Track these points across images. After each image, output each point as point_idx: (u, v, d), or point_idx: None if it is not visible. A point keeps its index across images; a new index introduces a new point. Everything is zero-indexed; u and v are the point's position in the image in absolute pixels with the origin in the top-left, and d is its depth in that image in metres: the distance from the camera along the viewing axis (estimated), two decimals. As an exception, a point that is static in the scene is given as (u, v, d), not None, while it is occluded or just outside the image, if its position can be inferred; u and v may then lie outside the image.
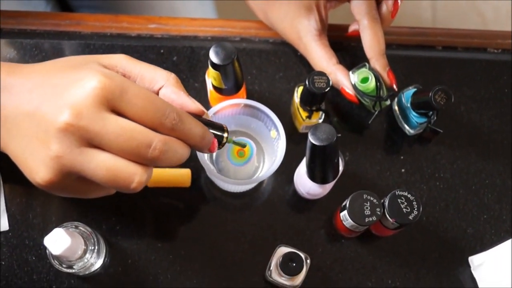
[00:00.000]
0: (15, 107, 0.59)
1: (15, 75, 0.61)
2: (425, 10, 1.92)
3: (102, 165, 0.56)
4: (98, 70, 0.57)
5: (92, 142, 0.55)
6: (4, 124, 0.60)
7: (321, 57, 0.81)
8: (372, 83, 0.79)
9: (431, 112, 0.80)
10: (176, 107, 0.59)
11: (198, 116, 0.63)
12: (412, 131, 0.84)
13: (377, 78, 0.79)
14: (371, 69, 0.80)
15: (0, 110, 0.60)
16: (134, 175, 0.56)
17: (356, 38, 0.83)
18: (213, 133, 0.63)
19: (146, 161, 0.57)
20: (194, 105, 0.64)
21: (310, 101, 0.77)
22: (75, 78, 0.57)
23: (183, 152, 0.60)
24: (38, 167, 0.58)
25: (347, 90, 0.79)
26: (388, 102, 0.82)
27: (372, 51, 0.80)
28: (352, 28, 0.85)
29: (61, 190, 0.60)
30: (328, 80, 0.74)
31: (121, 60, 0.62)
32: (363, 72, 0.79)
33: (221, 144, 0.65)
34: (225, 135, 0.65)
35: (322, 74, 0.74)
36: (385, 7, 0.81)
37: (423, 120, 0.81)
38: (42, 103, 0.57)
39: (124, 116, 0.56)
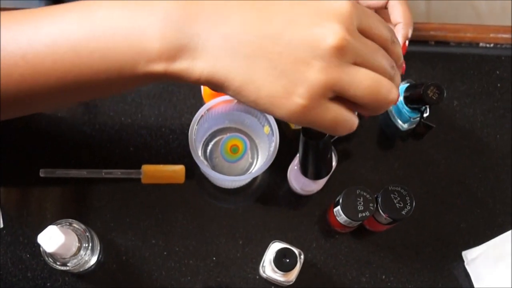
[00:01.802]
0: (249, 30, 0.52)
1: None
2: (419, 3, 1.92)
3: (368, 76, 0.53)
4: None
5: (356, 60, 0.53)
6: (241, 50, 0.52)
7: None
8: None
9: (423, 107, 0.80)
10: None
11: None
12: (405, 126, 0.84)
13: None
14: None
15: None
16: (392, 87, 0.54)
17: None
18: None
19: (389, 76, 0.55)
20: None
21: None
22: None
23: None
24: (291, 90, 0.52)
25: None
26: None
27: (403, 18, 0.78)
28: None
29: (315, 115, 0.53)
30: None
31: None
32: None
33: None
34: None
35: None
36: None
37: (415, 115, 0.81)
38: (288, 23, 0.52)
39: (365, 35, 0.54)
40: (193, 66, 0.51)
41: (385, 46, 0.56)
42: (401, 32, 0.78)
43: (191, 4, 0.52)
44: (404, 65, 0.79)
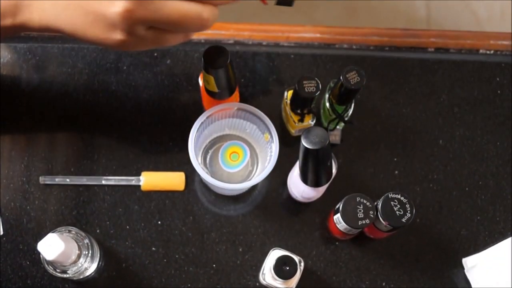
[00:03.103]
0: None
1: None
2: (419, 9, 1.92)
3: (173, 8, 0.59)
4: None
5: None
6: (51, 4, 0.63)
7: None
8: None
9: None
10: None
11: None
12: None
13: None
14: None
15: None
16: (202, 12, 0.60)
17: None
18: None
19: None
20: None
21: (301, 105, 0.77)
22: None
23: None
24: (107, 30, 0.61)
25: None
26: (341, 126, 0.83)
27: None
28: None
29: (136, 44, 0.63)
30: (318, 84, 0.74)
31: None
32: None
33: None
34: None
35: (311, 78, 0.74)
36: None
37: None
38: None
39: None
40: (31, 19, 0.63)
41: None
42: None
43: None
44: None
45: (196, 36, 0.90)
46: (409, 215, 0.72)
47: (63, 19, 0.62)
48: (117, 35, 0.61)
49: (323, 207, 0.82)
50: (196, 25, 0.61)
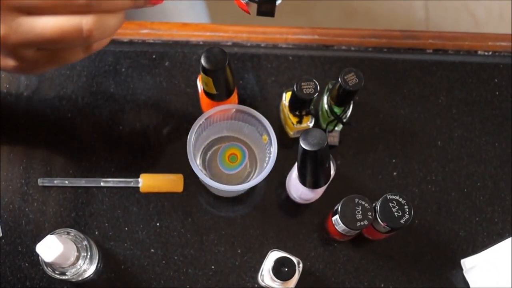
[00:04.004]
0: None
1: None
2: (418, 10, 1.93)
3: (46, 26, 0.55)
4: None
5: (26, 11, 0.55)
6: None
7: None
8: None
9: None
10: None
11: None
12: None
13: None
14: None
15: None
16: (79, 24, 0.55)
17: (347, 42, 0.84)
18: None
19: (85, 7, 0.55)
20: None
21: (299, 107, 0.77)
22: None
23: None
24: None
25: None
26: (339, 127, 0.83)
27: None
28: None
29: (32, 67, 0.60)
30: (316, 85, 0.74)
31: None
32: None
33: None
34: None
35: (309, 80, 0.74)
36: None
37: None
38: None
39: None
40: None
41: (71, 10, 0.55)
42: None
43: None
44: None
45: (194, 38, 0.90)
46: (408, 216, 0.72)
47: None
48: (8, 61, 0.58)
49: (322, 208, 0.82)
50: (78, 39, 0.56)
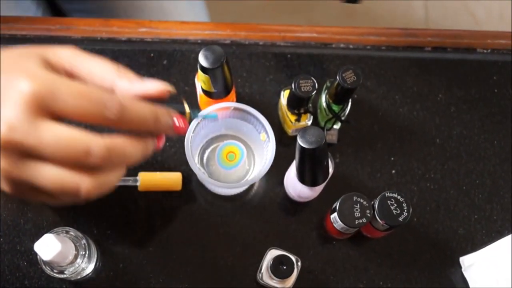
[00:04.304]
0: None
1: None
2: (418, 9, 1.93)
3: (47, 177, 0.53)
4: (29, 73, 0.52)
5: (32, 155, 0.52)
6: None
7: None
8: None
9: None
10: (125, 95, 0.56)
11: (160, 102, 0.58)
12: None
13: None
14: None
15: None
16: (79, 185, 0.53)
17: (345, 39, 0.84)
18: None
19: (90, 169, 0.53)
20: (152, 86, 0.58)
21: (297, 105, 0.77)
22: (3, 85, 0.53)
23: (133, 152, 0.56)
24: None
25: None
26: (338, 125, 0.83)
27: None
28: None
29: (27, 198, 0.58)
30: (314, 83, 0.74)
31: (68, 57, 0.57)
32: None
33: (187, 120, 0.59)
34: (186, 109, 0.60)
35: (307, 78, 0.74)
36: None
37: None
38: None
39: (65, 119, 0.53)
40: None
41: (98, 121, 0.54)
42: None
43: None
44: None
45: (193, 37, 0.90)
46: (406, 214, 0.72)
47: None
48: (4, 186, 0.55)
49: (320, 206, 0.82)
50: (75, 197, 0.54)
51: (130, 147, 0.56)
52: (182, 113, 0.59)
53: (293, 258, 0.74)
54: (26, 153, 0.52)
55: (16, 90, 0.51)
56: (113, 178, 0.57)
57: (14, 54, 0.57)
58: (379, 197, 0.73)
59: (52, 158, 0.52)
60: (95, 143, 0.53)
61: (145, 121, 0.55)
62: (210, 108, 0.75)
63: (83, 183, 0.53)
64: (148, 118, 0.55)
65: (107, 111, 0.53)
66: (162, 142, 0.60)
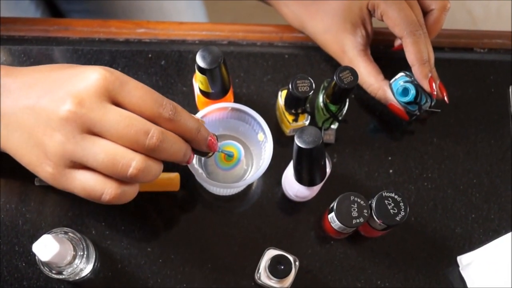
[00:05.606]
0: (13, 102, 0.61)
1: (13, 74, 0.63)
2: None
3: (102, 150, 0.58)
4: (103, 67, 0.61)
5: (93, 130, 0.59)
6: (3, 121, 0.62)
7: (369, 72, 0.82)
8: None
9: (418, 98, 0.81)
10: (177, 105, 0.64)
11: None
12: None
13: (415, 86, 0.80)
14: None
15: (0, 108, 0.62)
16: (132, 161, 0.59)
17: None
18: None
19: (144, 149, 0.60)
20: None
21: (295, 105, 0.77)
22: (75, 73, 0.61)
23: (179, 146, 0.63)
24: (41, 160, 0.61)
25: (398, 106, 0.81)
26: (335, 125, 0.84)
27: (411, 59, 0.80)
28: (397, 43, 0.87)
29: (63, 182, 0.63)
30: (311, 83, 0.74)
31: None
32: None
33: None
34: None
35: (304, 78, 0.74)
36: (431, 18, 0.82)
37: (414, 108, 0.81)
38: (42, 96, 0.60)
39: (125, 108, 0.60)
40: None
41: (153, 116, 0.61)
42: (417, 73, 0.80)
43: None
44: (433, 84, 0.80)
45: (190, 37, 0.90)
46: (403, 213, 0.72)
47: (4, 140, 0.64)
48: (48, 168, 0.62)
49: (318, 206, 0.82)
50: (123, 173, 0.61)
51: (179, 142, 0.64)
52: None
53: (291, 257, 0.74)
54: (86, 127, 0.58)
55: (91, 75, 0.59)
56: (135, 189, 0.65)
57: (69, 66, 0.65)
58: (376, 196, 0.73)
59: (113, 134, 0.59)
60: (154, 126, 0.60)
61: (191, 129, 0.64)
62: (208, 109, 0.75)
63: (136, 160, 0.59)
64: (193, 127, 0.65)
65: (163, 109, 0.61)
66: (192, 159, 0.68)
